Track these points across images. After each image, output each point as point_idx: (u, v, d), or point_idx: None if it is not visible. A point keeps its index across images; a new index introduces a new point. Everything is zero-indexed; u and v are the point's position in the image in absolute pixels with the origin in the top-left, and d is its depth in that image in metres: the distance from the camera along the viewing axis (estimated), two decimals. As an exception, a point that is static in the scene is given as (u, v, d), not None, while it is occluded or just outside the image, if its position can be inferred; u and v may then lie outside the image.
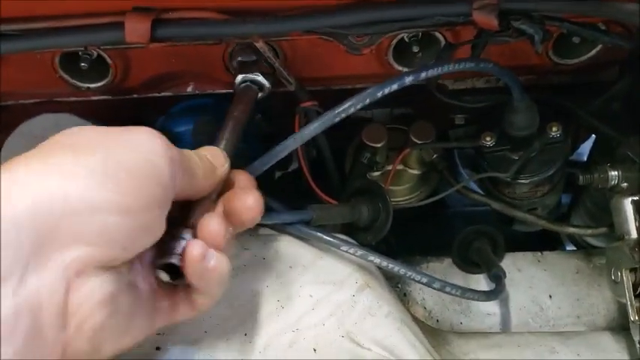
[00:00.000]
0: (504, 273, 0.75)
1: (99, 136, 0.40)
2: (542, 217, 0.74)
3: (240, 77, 0.63)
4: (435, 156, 0.77)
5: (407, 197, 0.85)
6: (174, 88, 0.73)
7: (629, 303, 0.59)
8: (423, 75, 0.54)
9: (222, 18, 0.54)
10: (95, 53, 0.64)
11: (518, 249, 0.84)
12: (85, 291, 0.37)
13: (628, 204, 0.59)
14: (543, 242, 0.93)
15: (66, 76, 0.66)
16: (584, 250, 0.84)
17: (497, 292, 0.68)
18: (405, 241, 0.90)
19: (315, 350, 0.52)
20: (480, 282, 0.79)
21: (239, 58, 0.65)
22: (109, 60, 0.64)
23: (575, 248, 0.93)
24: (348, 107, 0.53)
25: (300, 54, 0.65)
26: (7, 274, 0.33)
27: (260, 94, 0.64)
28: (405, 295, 0.79)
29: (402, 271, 0.60)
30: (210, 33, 0.55)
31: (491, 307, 0.77)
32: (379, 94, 0.53)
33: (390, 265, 0.60)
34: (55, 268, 0.35)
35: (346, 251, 0.59)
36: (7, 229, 0.33)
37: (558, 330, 0.76)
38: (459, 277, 0.81)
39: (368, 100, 0.53)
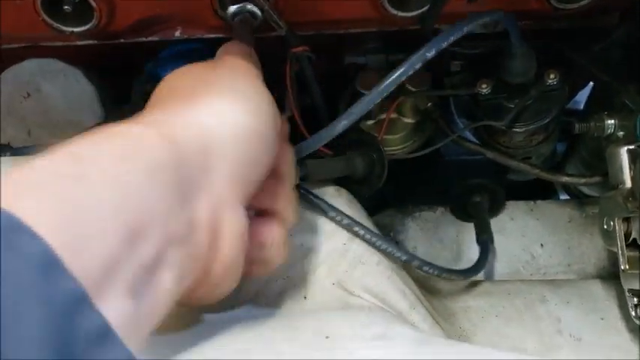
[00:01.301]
0: (492, 239, 0.75)
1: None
2: (536, 166, 0.73)
3: (233, 8, 0.61)
4: (429, 104, 0.76)
5: (400, 146, 0.83)
6: (161, 32, 0.71)
7: (620, 252, 0.59)
8: (444, 44, 0.53)
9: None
10: (79, -4, 0.61)
11: (513, 198, 0.84)
12: (233, 222, 0.39)
13: (623, 153, 0.58)
14: (538, 191, 0.93)
15: (49, 20, 0.64)
16: (578, 199, 0.83)
17: (476, 269, 0.68)
18: (399, 189, 0.90)
19: (305, 297, 0.53)
20: (472, 231, 0.79)
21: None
22: (93, 3, 0.62)
23: (569, 197, 0.93)
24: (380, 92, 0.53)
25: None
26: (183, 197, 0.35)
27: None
28: (397, 243, 0.79)
29: (384, 246, 0.59)
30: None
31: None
32: (403, 78, 0.53)
33: (373, 239, 0.59)
34: (209, 201, 0.38)
35: (333, 218, 0.58)
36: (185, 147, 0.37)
37: (549, 278, 0.76)
38: (451, 226, 0.82)
39: (394, 86, 0.53)
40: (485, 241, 0.75)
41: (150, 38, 0.72)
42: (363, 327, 0.46)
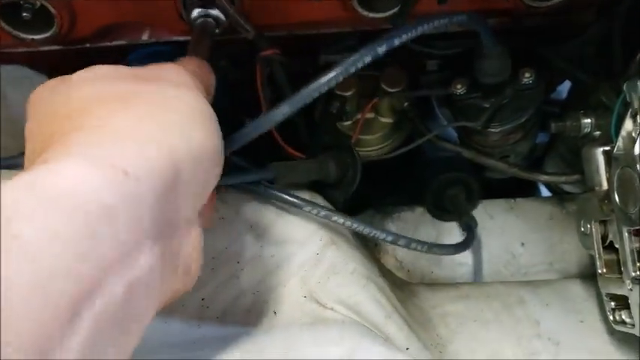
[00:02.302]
0: (476, 222, 0.74)
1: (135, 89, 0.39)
2: (513, 165, 0.72)
3: (196, 12, 0.60)
4: (406, 104, 0.74)
5: (379, 146, 0.82)
6: (127, 36, 0.69)
7: (597, 255, 0.58)
8: (397, 42, 0.50)
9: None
10: (38, 3, 0.59)
11: (494, 196, 0.83)
12: (193, 238, 0.39)
13: (599, 154, 0.57)
14: (519, 189, 0.92)
15: (8, 28, 0.62)
16: (559, 196, 0.82)
17: (466, 243, 0.67)
18: (379, 190, 0.89)
19: (275, 313, 0.51)
20: (453, 231, 0.79)
21: (193, 4, 0.61)
22: (52, 10, 0.60)
23: (550, 195, 0.92)
24: (323, 84, 0.50)
25: (258, -1, 0.61)
26: (148, 228, 0.33)
27: (217, 30, 0.61)
28: (376, 245, 0.78)
29: (367, 230, 0.58)
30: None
31: (463, 256, 0.77)
32: (352, 69, 0.50)
33: (354, 225, 0.58)
34: (176, 220, 0.36)
35: (309, 212, 0.57)
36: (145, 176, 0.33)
37: (530, 278, 0.75)
38: (430, 226, 0.80)
39: (342, 77, 0.50)
40: (467, 222, 0.73)
41: (116, 42, 0.70)
42: (332, 344, 0.45)
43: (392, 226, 0.80)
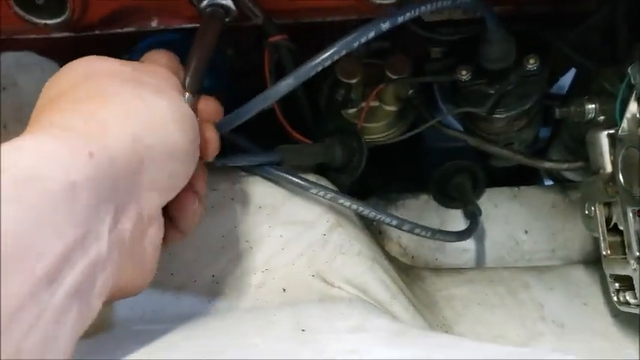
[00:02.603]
0: (480, 210, 0.75)
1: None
2: (518, 152, 0.72)
3: (205, 1, 0.60)
4: (410, 91, 0.75)
5: (384, 134, 0.83)
6: (137, 23, 0.69)
7: (601, 237, 0.59)
8: (400, 19, 0.51)
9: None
10: (50, -13, 0.60)
11: (497, 184, 0.83)
12: (152, 234, 0.40)
13: (603, 137, 0.57)
14: (522, 178, 0.92)
15: (21, 12, 0.62)
16: (561, 184, 0.83)
17: (469, 231, 0.68)
18: (384, 177, 0.90)
19: (284, 290, 0.52)
20: (456, 219, 0.79)
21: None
22: (65, -7, 0.61)
23: (552, 183, 0.93)
24: (325, 59, 0.51)
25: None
26: (105, 214, 0.34)
27: (227, 19, 0.61)
28: (380, 232, 0.79)
29: (372, 214, 0.59)
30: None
31: (467, 243, 0.78)
32: (355, 44, 0.50)
33: (360, 208, 0.59)
34: (136, 211, 0.37)
35: (316, 194, 0.58)
36: (107, 164, 0.35)
37: (533, 265, 0.76)
38: (434, 214, 0.81)
39: (344, 51, 0.51)
40: (472, 210, 0.74)
41: (126, 29, 0.70)
42: (341, 319, 0.45)
43: (396, 214, 0.80)
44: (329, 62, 0.50)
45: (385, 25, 0.50)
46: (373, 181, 0.87)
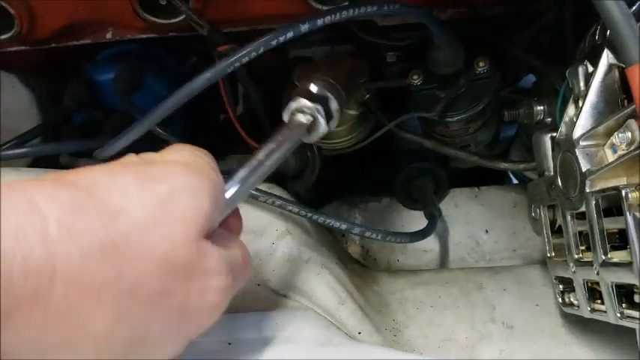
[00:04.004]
0: (439, 211, 0.75)
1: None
2: (474, 154, 0.73)
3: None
4: (367, 96, 0.75)
5: (347, 137, 0.83)
6: (92, 35, 0.70)
7: (546, 240, 0.59)
8: (320, 22, 0.51)
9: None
10: (-2, 3, 0.61)
11: (464, 184, 0.84)
12: None
13: (546, 140, 0.58)
14: (490, 178, 0.93)
15: (-29, 28, 0.63)
16: (523, 183, 0.84)
17: (423, 233, 0.68)
18: (347, 180, 0.90)
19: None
20: (418, 220, 0.80)
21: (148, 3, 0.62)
22: (11, 10, 0.61)
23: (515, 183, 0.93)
24: (243, 55, 0.51)
25: (213, -5, 0.62)
26: None
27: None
28: (343, 235, 0.79)
29: (321, 219, 0.60)
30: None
31: (428, 243, 0.78)
32: (274, 42, 0.51)
33: (309, 214, 0.59)
34: None
35: (264, 202, 0.59)
36: None
37: (494, 264, 0.77)
38: (396, 216, 0.82)
39: (262, 49, 0.51)
40: (431, 211, 0.75)
41: (82, 42, 0.71)
42: (274, 330, 0.46)
43: (359, 216, 0.82)
44: (247, 59, 0.50)
45: (304, 27, 0.51)
46: (337, 185, 0.87)
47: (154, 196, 0.34)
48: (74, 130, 0.72)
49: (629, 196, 0.44)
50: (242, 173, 0.43)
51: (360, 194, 0.83)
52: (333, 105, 0.50)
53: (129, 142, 0.58)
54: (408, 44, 0.70)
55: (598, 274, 0.49)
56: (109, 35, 0.70)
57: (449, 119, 0.69)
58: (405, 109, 0.82)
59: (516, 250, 0.77)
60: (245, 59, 0.51)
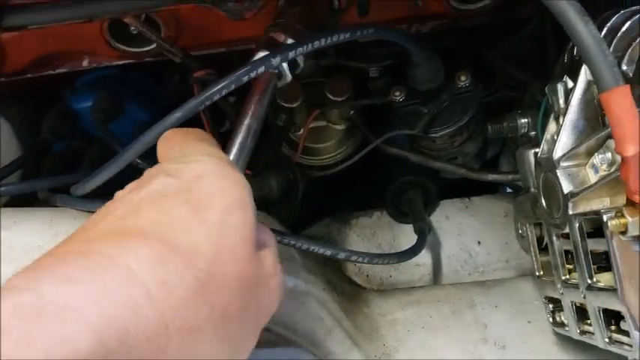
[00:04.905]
0: (429, 227, 0.74)
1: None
2: (461, 166, 0.72)
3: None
4: (351, 112, 0.74)
5: (335, 153, 0.82)
6: (68, 64, 0.69)
7: (534, 258, 0.58)
8: (291, 55, 0.50)
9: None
10: (-33, 38, 0.60)
11: (455, 194, 0.82)
12: None
13: (530, 156, 0.56)
14: (482, 187, 0.91)
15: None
16: (513, 192, 0.82)
17: (412, 251, 0.67)
18: (341, 196, 0.89)
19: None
20: (410, 233, 0.78)
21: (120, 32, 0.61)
22: (-20, 44, 0.61)
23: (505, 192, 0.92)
24: (214, 93, 0.50)
25: (184, 23, 0.61)
26: None
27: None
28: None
29: (305, 246, 0.58)
30: (60, 18, 0.51)
31: (421, 257, 0.77)
32: (245, 78, 0.49)
33: (292, 242, 0.58)
34: None
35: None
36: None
37: (487, 276, 0.75)
38: (388, 230, 0.81)
39: (233, 86, 0.50)
40: (421, 227, 0.74)
41: (59, 71, 0.70)
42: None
43: (349, 232, 0.80)
44: (217, 96, 0.49)
45: (275, 60, 0.49)
46: (327, 201, 0.86)
47: (213, 226, 0.36)
48: (54, 160, 0.71)
49: (609, 224, 0.43)
50: (240, 139, 0.48)
51: (351, 210, 0.82)
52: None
53: (107, 179, 0.57)
54: (386, 64, 0.69)
55: (584, 297, 0.48)
56: (85, 63, 0.69)
57: (433, 134, 0.67)
58: (391, 123, 0.81)
59: (509, 261, 0.76)
60: (216, 96, 0.49)
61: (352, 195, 0.89)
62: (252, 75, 0.50)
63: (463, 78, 0.65)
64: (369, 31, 0.54)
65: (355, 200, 0.88)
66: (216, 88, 0.49)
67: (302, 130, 0.76)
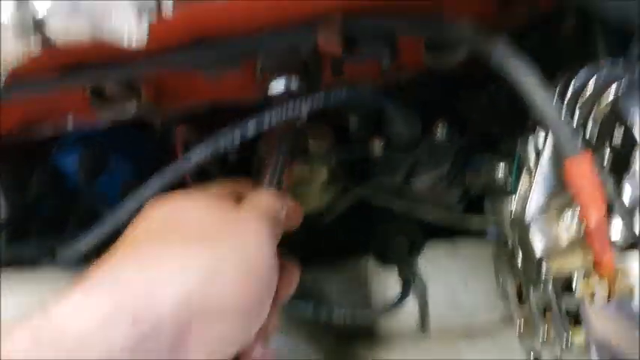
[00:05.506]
0: (414, 275, 0.75)
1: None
2: (445, 211, 0.73)
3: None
4: (333, 160, 0.75)
5: (318, 199, 0.83)
6: (52, 126, 0.70)
7: (514, 314, 0.58)
8: (266, 124, 0.52)
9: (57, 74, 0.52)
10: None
11: (443, 236, 0.82)
12: None
13: (506, 210, 0.57)
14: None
15: None
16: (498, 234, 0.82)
17: (398, 301, 0.67)
18: (326, 241, 0.89)
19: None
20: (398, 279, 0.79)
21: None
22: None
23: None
24: (184, 166, 0.51)
25: (165, 86, 0.63)
26: None
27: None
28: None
29: (292, 310, 0.59)
30: (52, 87, 0.53)
31: (407, 303, 0.77)
32: (220, 149, 0.51)
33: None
34: None
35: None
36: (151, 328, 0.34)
37: (474, 319, 0.76)
38: (376, 277, 0.81)
39: (209, 155, 0.51)
40: (406, 275, 0.74)
41: (43, 131, 0.71)
42: None
43: (336, 280, 0.81)
44: (192, 166, 0.51)
45: (251, 127, 0.51)
46: (314, 249, 0.87)
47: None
48: (42, 220, 0.72)
49: (579, 285, 0.43)
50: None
51: (336, 257, 0.82)
52: None
53: (91, 245, 0.58)
54: (364, 115, 0.70)
55: (561, 356, 0.48)
56: (69, 126, 0.70)
57: (413, 183, 0.68)
58: (372, 171, 0.82)
59: (496, 305, 0.76)
60: (194, 163, 0.51)
61: (336, 242, 0.89)
62: (228, 144, 0.51)
63: (440, 129, 0.66)
64: (342, 93, 0.55)
65: (340, 247, 0.88)
66: (191, 160, 0.51)
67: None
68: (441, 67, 0.64)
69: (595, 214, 0.40)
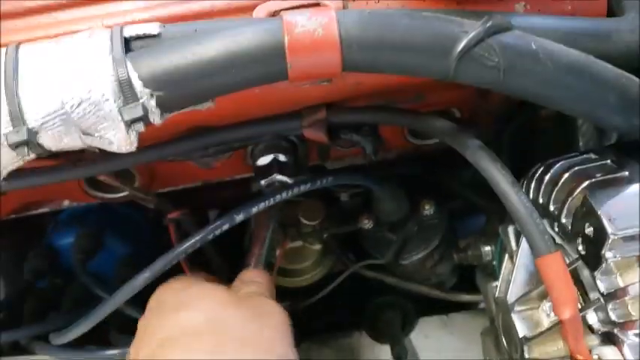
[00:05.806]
0: (406, 352, 0.75)
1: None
2: (437, 287, 0.73)
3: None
4: (325, 235, 0.76)
5: (312, 273, 0.84)
6: (50, 205, 0.72)
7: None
8: (254, 210, 0.54)
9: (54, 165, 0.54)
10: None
11: (436, 311, 0.83)
12: None
13: (491, 291, 0.58)
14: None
15: None
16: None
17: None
18: (319, 315, 0.90)
19: None
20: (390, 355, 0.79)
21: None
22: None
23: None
24: (179, 253, 0.53)
25: (157, 172, 0.65)
26: None
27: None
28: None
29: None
30: (48, 180, 0.55)
31: (400, 378, 0.77)
32: (210, 236, 0.53)
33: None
34: None
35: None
36: None
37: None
38: (368, 350, 0.81)
39: (199, 244, 0.53)
40: (399, 352, 0.74)
41: (40, 210, 0.73)
42: None
43: (329, 353, 0.81)
44: (183, 255, 0.52)
45: (239, 217, 0.53)
46: (307, 321, 0.87)
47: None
48: (36, 299, 0.73)
49: (558, 376, 0.44)
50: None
51: (329, 330, 0.82)
52: None
53: (85, 331, 0.59)
54: (353, 194, 0.72)
55: None
56: (65, 203, 0.72)
57: (403, 261, 0.69)
58: (363, 246, 0.83)
59: (489, 379, 0.76)
60: (182, 255, 0.52)
61: (330, 315, 0.89)
62: (217, 232, 0.53)
63: (427, 207, 0.67)
64: (329, 179, 0.57)
65: (333, 320, 0.88)
66: (182, 248, 0.52)
67: (277, 251, 0.78)
68: (425, 147, 0.67)
69: (567, 311, 0.41)
